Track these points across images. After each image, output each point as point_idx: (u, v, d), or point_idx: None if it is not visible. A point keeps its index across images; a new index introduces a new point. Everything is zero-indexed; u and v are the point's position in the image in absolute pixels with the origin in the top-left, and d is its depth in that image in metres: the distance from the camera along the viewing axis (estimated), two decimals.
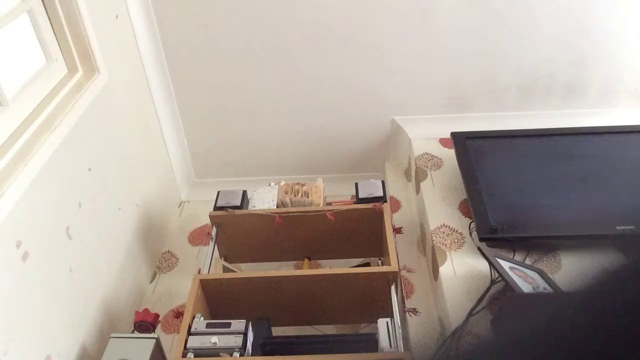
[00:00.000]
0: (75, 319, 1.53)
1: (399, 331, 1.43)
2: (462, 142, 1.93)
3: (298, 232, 1.84)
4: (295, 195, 1.87)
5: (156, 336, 1.53)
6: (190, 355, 1.40)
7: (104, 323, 1.69)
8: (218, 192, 1.91)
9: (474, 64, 2.16)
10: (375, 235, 1.83)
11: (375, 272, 1.59)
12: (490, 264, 1.44)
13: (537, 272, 1.48)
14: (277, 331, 1.69)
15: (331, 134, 2.39)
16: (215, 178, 2.55)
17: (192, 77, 2.23)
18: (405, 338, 1.60)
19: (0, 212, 1.19)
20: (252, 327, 1.49)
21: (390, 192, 2.22)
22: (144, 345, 1.50)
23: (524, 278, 1.40)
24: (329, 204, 1.88)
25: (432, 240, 1.70)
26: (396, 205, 2.17)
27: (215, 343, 1.41)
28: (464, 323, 1.37)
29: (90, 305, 1.63)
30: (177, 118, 2.35)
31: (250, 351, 1.45)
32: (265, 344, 1.47)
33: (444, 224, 1.76)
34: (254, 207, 1.86)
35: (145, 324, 1.63)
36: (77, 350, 1.53)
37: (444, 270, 1.59)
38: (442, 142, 2.16)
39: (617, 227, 1.53)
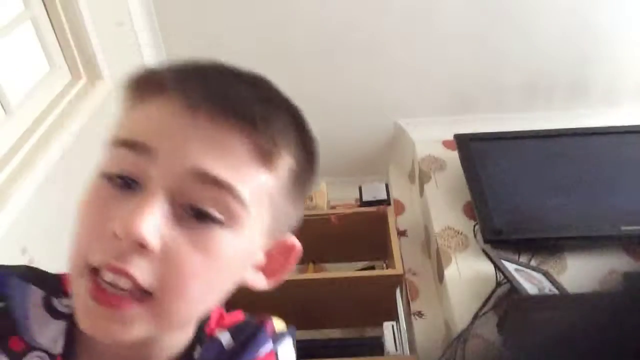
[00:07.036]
0: None
1: (404, 334, 1.43)
2: (466, 144, 1.92)
3: (302, 235, 1.82)
4: None
5: None
6: None
7: None
8: None
9: (476, 65, 2.16)
10: (379, 238, 1.83)
11: (380, 275, 1.59)
12: (496, 266, 1.43)
13: (543, 274, 1.48)
14: None
15: (334, 137, 2.39)
16: None
17: None
18: (411, 341, 1.59)
19: (5, 219, 1.20)
20: None
21: (394, 195, 2.22)
22: None
23: (530, 280, 1.40)
24: (333, 207, 1.88)
25: (437, 243, 1.70)
26: (400, 208, 2.17)
27: None
28: (469, 326, 1.37)
29: None
30: None
31: None
32: None
33: (448, 227, 1.75)
34: None
35: None
36: None
37: (449, 272, 1.59)
38: (446, 144, 2.15)
39: (623, 228, 1.52)
